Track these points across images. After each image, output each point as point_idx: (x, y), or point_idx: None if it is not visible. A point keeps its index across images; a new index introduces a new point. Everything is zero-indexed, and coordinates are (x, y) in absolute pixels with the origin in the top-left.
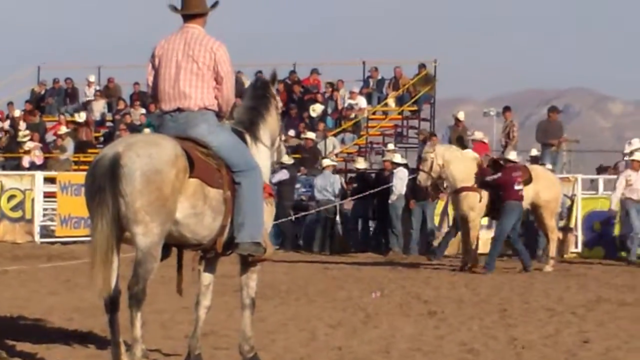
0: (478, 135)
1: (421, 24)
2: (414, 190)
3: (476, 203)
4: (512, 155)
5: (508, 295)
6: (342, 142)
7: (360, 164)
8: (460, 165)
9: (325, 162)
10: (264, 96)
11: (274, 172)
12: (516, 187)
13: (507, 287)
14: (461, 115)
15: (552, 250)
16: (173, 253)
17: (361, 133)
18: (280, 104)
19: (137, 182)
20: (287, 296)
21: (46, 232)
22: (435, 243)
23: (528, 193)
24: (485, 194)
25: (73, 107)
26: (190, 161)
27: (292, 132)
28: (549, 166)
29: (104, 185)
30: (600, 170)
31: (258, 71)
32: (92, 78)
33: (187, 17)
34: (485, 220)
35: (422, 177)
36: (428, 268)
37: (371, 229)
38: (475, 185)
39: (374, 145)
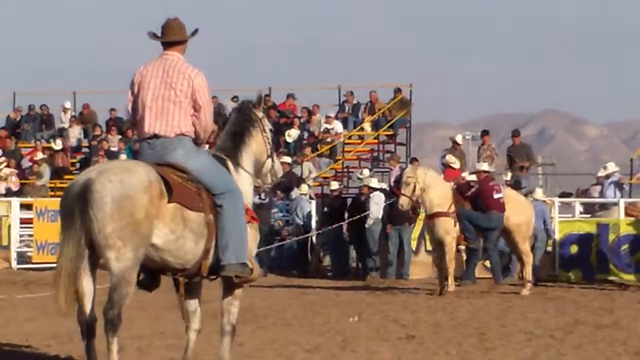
0: (450, 159)
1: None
2: (391, 214)
3: (452, 227)
4: (484, 166)
5: (486, 319)
6: (319, 167)
7: (334, 185)
8: (438, 190)
9: (304, 188)
10: (246, 120)
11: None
12: (495, 196)
13: (484, 310)
14: (459, 139)
15: (528, 273)
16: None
17: (337, 157)
18: (268, 127)
19: (108, 208)
20: (264, 320)
21: (23, 258)
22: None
23: None
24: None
25: (49, 133)
26: (167, 186)
27: None
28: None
29: (73, 209)
30: (578, 193)
31: (234, 96)
32: (68, 104)
33: (167, 45)
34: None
35: (404, 201)
36: (405, 292)
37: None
38: (451, 211)
39: (350, 170)
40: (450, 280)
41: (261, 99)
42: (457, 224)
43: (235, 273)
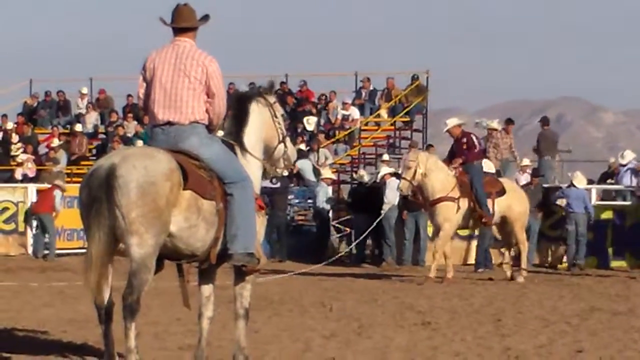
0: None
1: (413, 36)
2: (406, 200)
3: (452, 214)
4: (455, 121)
5: (501, 306)
6: (335, 153)
7: (365, 177)
8: (440, 175)
9: (327, 172)
10: (252, 104)
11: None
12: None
13: (500, 297)
14: (495, 124)
15: (524, 261)
16: (167, 266)
17: (354, 144)
18: (280, 112)
19: (133, 194)
20: (280, 307)
21: (39, 244)
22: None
23: (501, 205)
24: (463, 204)
25: (65, 119)
26: (184, 174)
27: None
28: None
29: (100, 196)
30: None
31: (250, 82)
32: (85, 90)
33: (178, 31)
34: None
35: (404, 185)
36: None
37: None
38: (455, 196)
39: (367, 156)
40: (449, 266)
41: (272, 85)
42: (459, 211)
43: (242, 262)
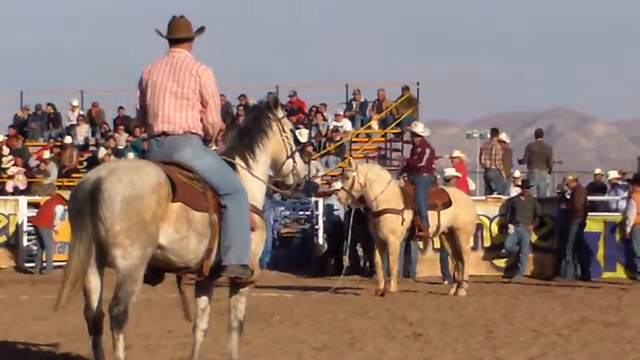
0: (456, 153)
1: (404, 48)
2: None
3: (397, 226)
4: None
5: (493, 317)
6: (327, 164)
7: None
8: (382, 185)
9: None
10: (261, 120)
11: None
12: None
13: (491, 308)
14: (504, 136)
15: (466, 273)
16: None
17: (344, 156)
18: (288, 126)
19: (117, 207)
20: (271, 319)
21: (30, 257)
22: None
23: (447, 216)
24: (408, 216)
25: (56, 131)
26: (173, 186)
27: None
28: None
29: (84, 209)
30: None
31: (241, 95)
32: (76, 102)
33: (173, 42)
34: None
35: (341, 195)
36: (410, 291)
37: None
38: (399, 208)
39: None
40: (394, 280)
41: (277, 100)
42: (404, 222)
43: (236, 274)
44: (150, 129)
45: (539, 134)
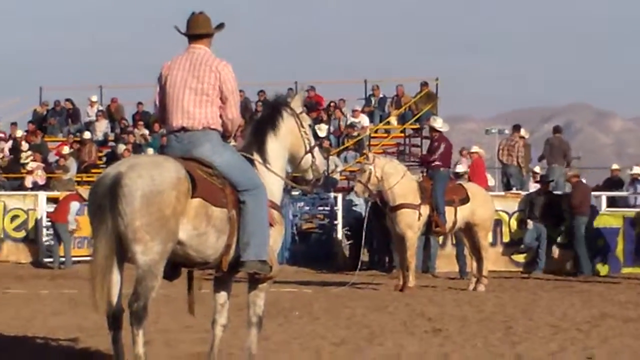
0: (475, 149)
1: (423, 43)
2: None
3: (414, 221)
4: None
5: (512, 313)
6: (345, 160)
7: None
8: (400, 180)
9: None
10: (278, 115)
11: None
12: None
13: (510, 304)
14: (523, 132)
15: (485, 268)
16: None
17: (363, 151)
18: (307, 121)
19: (137, 202)
20: (290, 314)
21: (49, 252)
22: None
23: (464, 212)
24: (425, 211)
25: (75, 127)
26: (192, 182)
27: None
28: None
29: (104, 204)
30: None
31: (260, 90)
32: (94, 98)
33: (193, 38)
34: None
35: (358, 188)
36: (429, 286)
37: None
38: (416, 203)
39: None
40: (412, 275)
41: (295, 95)
42: (421, 218)
43: (254, 270)
44: (170, 125)
45: (557, 129)
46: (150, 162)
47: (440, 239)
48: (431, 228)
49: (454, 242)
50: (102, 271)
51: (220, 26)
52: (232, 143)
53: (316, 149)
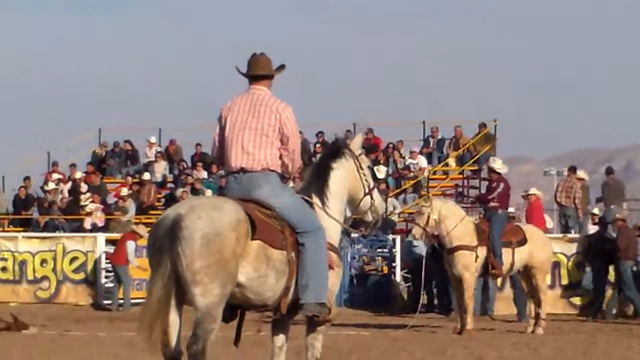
0: (532, 190)
1: (481, 84)
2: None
3: (472, 263)
4: (497, 163)
5: (571, 356)
6: (404, 202)
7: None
8: (455, 221)
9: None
10: (337, 158)
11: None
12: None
13: (569, 347)
14: (582, 174)
15: (544, 311)
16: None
17: (422, 193)
18: (366, 163)
19: (197, 244)
20: (348, 358)
21: (108, 294)
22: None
23: (522, 254)
24: (481, 253)
25: (134, 168)
26: (252, 224)
27: None
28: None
29: (163, 246)
30: None
31: (319, 132)
32: (153, 139)
33: (253, 79)
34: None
35: (416, 231)
36: (487, 329)
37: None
38: (473, 244)
39: None
40: (470, 318)
41: (354, 137)
42: (478, 259)
43: (313, 312)
44: (229, 165)
45: (609, 171)
46: (209, 203)
47: (499, 281)
48: (488, 270)
49: (513, 284)
50: (154, 313)
51: (281, 68)
52: (291, 184)
53: (375, 190)
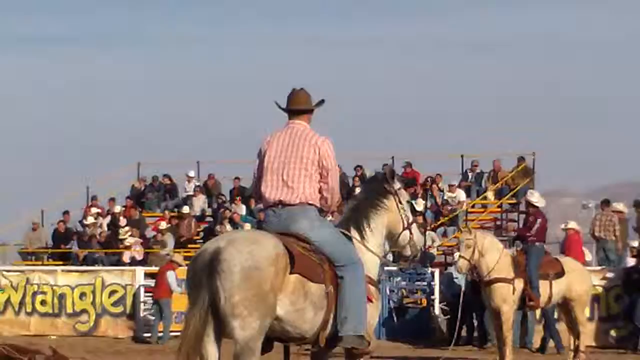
0: (571, 224)
1: (519, 117)
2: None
3: (509, 295)
4: (535, 197)
5: None
6: (444, 234)
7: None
8: (495, 254)
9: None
10: (378, 192)
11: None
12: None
13: None
14: (621, 206)
15: (583, 343)
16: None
17: (461, 226)
18: (405, 198)
19: (236, 277)
20: None
21: (147, 326)
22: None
23: (560, 286)
24: (518, 285)
25: (173, 202)
26: (291, 258)
27: None
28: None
29: (202, 279)
30: None
31: (357, 165)
32: (192, 173)
33: (293, 114)
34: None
35: (463, 264)
36: None
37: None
38: (510, 277)
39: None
40: (509, 350)
41: (393, 172)
42: (515, 292)
43: (352, 345)
44: (267, 198)
45: (637, 204)
46: (248, 237)
47: (537, 313)
48: (525, 302)
49: (543, 317)
50: (192, 345)
51: (321, 103)
52: (330, 218)
53: (414, 225)
